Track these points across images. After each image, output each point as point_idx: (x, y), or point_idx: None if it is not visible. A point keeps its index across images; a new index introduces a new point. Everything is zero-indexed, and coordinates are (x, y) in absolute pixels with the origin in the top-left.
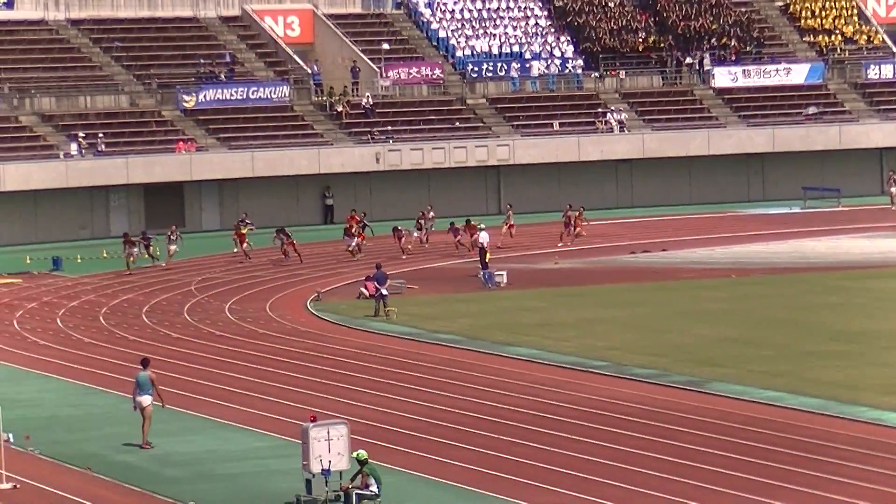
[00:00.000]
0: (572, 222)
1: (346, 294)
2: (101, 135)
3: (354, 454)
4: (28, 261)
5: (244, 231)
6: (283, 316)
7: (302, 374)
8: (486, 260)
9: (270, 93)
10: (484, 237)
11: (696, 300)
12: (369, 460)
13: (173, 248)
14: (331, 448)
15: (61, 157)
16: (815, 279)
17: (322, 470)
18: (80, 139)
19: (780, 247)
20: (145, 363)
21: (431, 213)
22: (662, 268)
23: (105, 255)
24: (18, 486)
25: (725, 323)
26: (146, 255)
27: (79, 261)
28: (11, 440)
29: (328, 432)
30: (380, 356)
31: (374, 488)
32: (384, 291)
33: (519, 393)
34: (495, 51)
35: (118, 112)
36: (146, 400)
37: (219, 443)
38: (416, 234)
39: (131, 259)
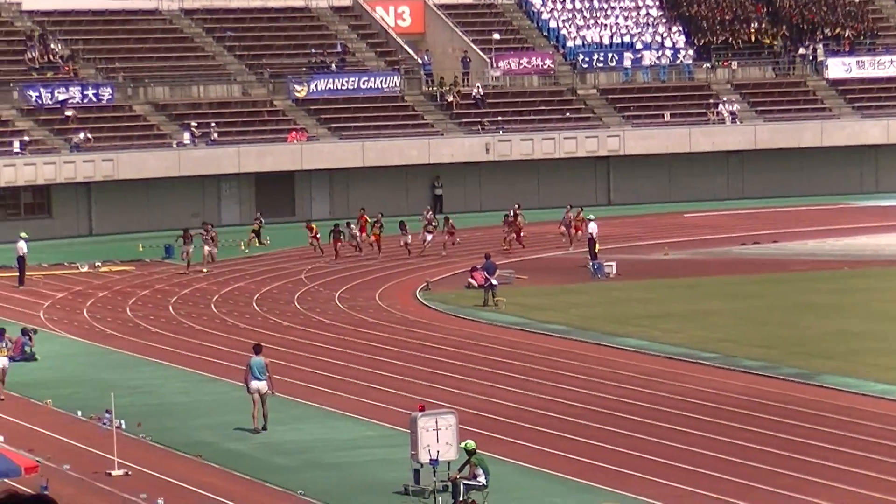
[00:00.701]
0: (572, 224)
1: (456, 284)
2: (213, 124)
3: (463, 444)
4: (141, 248)
5: (314, 225)
6: (392, 305)
7: (410, 364)
8: (596, 250)
9: (381, 83)
10: (593, 228)
11: (808, 292)
12: (477, 450)
13: (207, 249)
14: (439, 438)
15: (174, 145)
16: None
17: (430, 460)
18: (192, 128)
19: (892, 239)
20: (258, 349)
21: (430, 214)
22: (774, 260)
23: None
24: (130, 472)
25: (837, 315)
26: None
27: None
28: (123, 427)
29: (436, 422)
30: (488, 346)
31: (481, 479)
32: (494, 281)
33: (627, 384)
34: (606, 41)
35: (230, 101)
36: (264, 386)
37: (327, 431)
38: (429, 237)
39: (186, 255)
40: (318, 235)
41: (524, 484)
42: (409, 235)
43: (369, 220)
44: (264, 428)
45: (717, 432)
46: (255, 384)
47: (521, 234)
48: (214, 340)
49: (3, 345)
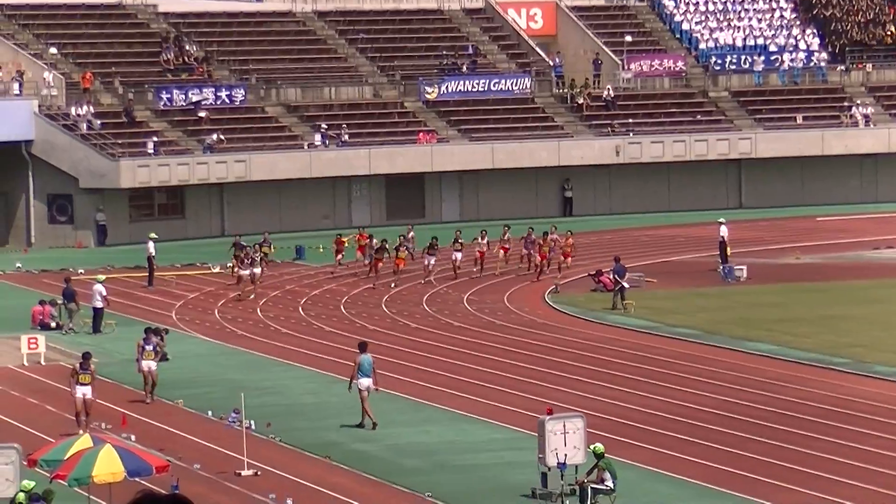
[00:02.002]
0: (557, 247)
1: (584, 286)
2: (344, 126)
3: (591, 448)
4: (273, 250)
5: (344, 239)
6: (520, 307)
7: (538, 367)
8: (727, 254)
9: (512, 85)
10: (724, 231)
11: None
12: (605, 454)
13: (259, 270)
14: (567, 441)
15: (305, 147)
16: None
17: (558, 463)
18: (323, 130)
19: None
20: (364, 346)
21: (412, 234)
22: None
23: (347, 244)
24: (259, 472)
25: None
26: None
27: (321, 250)
28: (253, 427)
29: (564, 425)
30: (617, 349)
31: (609, 483)
32: (625, 284)
33: (757, 389)
34: (739, 43)
35: (362, 103)
36: (371, 383)
37: (455, 434)
38: (458, 256)
39: (240, 280)
40: (344, 251)
41: (652, 489)
42: (435, 258)
43: (367, 240)
44: (363, 424)
45: (848, 438)
46: (364, 382)
47: (545, 257)
48: (343, 342)
49: (152, 348)
